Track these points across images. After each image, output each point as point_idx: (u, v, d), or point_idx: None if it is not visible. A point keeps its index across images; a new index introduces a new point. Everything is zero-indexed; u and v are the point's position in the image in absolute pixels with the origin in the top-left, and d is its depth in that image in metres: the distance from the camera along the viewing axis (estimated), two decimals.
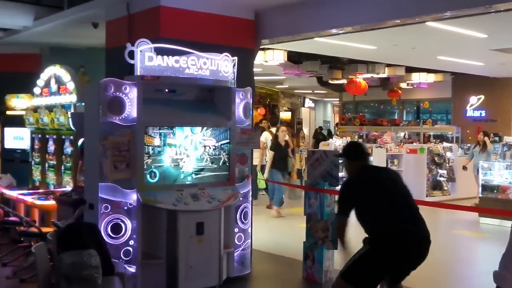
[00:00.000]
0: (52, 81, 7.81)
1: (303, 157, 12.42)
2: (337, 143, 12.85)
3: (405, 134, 17.03)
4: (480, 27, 8.98)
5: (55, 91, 7.74)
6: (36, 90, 8.21)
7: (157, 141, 5.29)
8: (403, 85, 18.13)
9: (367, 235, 4.13)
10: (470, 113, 18.24)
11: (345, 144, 4.72)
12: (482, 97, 17.90)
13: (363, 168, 4.39)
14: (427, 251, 4.03)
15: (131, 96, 5.15)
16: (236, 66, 5.88)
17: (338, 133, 18.93)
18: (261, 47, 7.91)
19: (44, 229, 5.91)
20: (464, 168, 12.05)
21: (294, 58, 14.06)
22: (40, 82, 8.12)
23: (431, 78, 16.70)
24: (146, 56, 5.26)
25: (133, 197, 5.13)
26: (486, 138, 11.53)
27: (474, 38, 9.84)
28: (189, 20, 6.53)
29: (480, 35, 9.63)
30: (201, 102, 5.85)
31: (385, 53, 12.54)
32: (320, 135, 22.09)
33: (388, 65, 15.01)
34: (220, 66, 5.73)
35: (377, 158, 11.71)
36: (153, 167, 5.26)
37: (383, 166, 4.47)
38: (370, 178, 4.29)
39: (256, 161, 9.93)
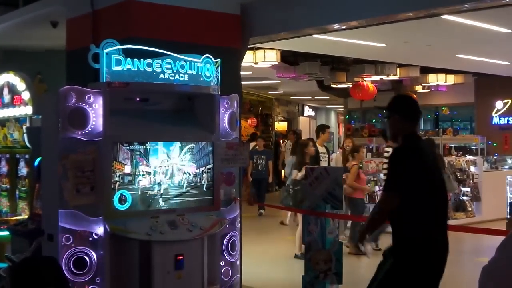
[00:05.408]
0: (5, 91, 7.75)
1: None
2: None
3: None
4: (503, 21, 9.05)
5: (8, 102, 7.69)
6: None
7: (127, 168, 5.26)
8: (418, 88, 18.23)
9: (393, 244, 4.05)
10: (496, 120, 18.31)
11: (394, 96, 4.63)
12: (509, 101, 17.99)
13: (416, 136, 4.17)
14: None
15: (95, 106, 5.13)
16: (220, 70, 5.88)
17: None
18: (249, 46, 7.92)
19: None
20: None
21: (290, 58, 14.12)
22: None
23: (450, 80, 16.81)
24: (113, 59, 5.26)
25: (99, 225, 5.10)
26: None
27: (497, 34, 9.93)
28: (163, 16, 6.54)
29: (503, 30, 9.74)
30: (179, 113, 5.84)
31: (396, 51, 12.61)
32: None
33: (400, 66, 15.09)
34: (200, 69, 5.73)
35: None
36: (122, 190, 5.23)
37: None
38: (427, 156, 4.09)
39: None
